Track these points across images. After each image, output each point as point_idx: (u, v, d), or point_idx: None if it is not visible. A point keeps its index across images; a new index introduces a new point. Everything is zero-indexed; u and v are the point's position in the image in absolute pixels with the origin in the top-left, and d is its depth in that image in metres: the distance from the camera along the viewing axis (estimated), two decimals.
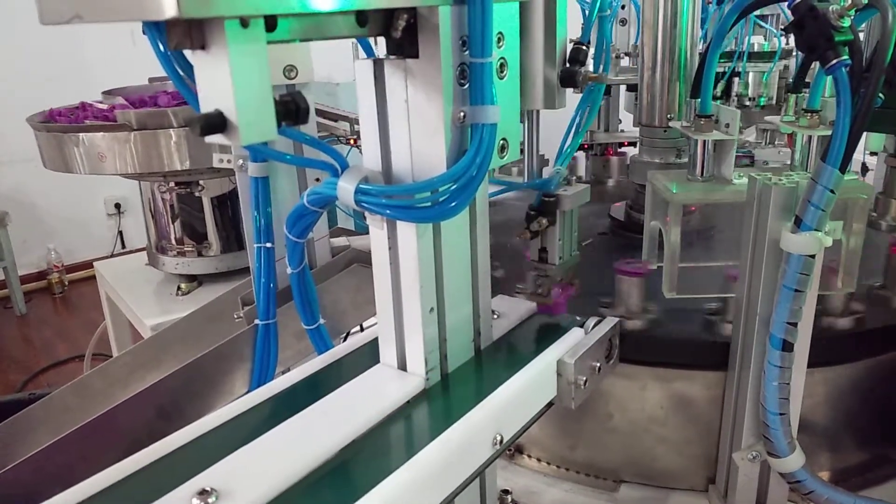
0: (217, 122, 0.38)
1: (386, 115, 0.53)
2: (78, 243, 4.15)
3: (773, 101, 0.93)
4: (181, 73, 0.44)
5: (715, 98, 1.00)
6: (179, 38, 0.37)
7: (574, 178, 1.28)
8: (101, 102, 1.87)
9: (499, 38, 0.53)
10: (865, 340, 0.75)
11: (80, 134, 1.65)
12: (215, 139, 0.38)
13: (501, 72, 0.54)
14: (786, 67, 1.08)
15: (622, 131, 1.46)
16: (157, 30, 0.42)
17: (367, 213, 0.55)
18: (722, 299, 0.71)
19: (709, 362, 0.71)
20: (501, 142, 0.56)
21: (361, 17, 0.46)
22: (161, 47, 0.43)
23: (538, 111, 0.67)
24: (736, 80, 0.98)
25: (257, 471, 0.48)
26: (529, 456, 0.86)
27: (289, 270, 0.70)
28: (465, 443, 0.53)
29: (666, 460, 0.79)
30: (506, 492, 0.76)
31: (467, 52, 0.49)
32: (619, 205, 1.10)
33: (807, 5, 0.55)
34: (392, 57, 0.51)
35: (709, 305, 0.74)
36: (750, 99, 0.94)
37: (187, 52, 0.41)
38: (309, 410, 0.56)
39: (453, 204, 0.51)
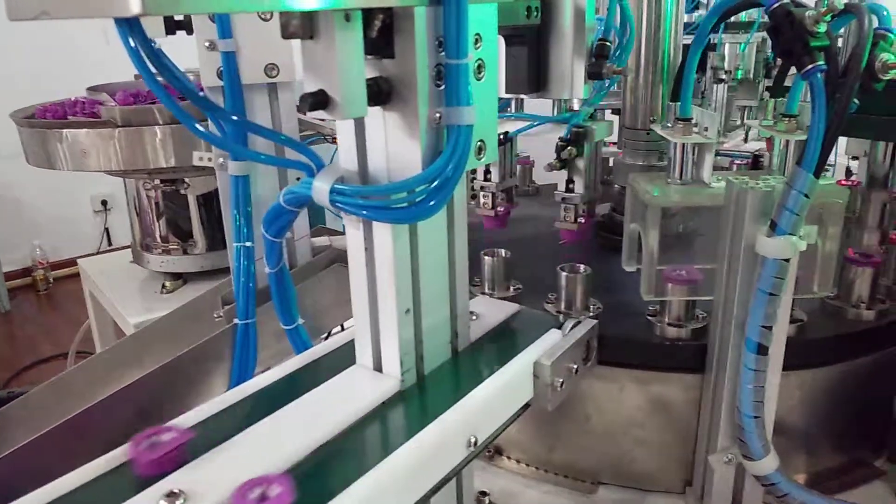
0: (322, 100, 0.46)
1: None
2: (64, 240, 4.12)
3: (751, 75, 0.92)
4: (151, 67, 0.44)
5: None
6: (294, 29, 0.44)
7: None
8: (85, 98, 1.85)
9: (476, 40, 0.53)
10: (842, 344, 0.75)
11: (64, 130, 1.64)
12: (318, 114, 0.46)
13: (479, 73, 0.54)
14: (764, 40, 1.05)
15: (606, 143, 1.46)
16: (127, 25, 0.42)
17: (343, 214, 0.54)
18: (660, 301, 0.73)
19: (685, 365, 0.72)
20: (479, 143, 0.56)
21: (344, 16, 0.45)
22: (132, 43, 0.43)
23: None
24: (712, 54, 0.96)
25: (227, 473, 0.48)
26: (509, 457, 0.86)
27: (267, 270, 0.70)
28: (438, 444, 0.53)
29: (644, 462, 0.79)
30: (483, 493, 0.76)
31: (443, 53, 0.49)
32: (601, 206, 1.11)
33: (783, 10, 0.55)
34: (369, 57, 0.50)
35: (651, 307, 0.75)
36: (726, 72, 0.93)
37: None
38: (283, 411, 0.55)
39: (429, 205, 0.51)
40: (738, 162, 1.20)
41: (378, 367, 0.60)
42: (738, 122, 1.13)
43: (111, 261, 2.25)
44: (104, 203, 4.21)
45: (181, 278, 1.95)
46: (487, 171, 0.78)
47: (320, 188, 0.51)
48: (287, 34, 0.45)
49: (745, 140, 1.16)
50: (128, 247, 2.09)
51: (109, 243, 4.22)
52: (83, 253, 3.51)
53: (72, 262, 3.81)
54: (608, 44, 0.68)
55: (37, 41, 3.56)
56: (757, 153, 1.01)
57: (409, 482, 0.51)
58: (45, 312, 3.89)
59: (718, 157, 1.20)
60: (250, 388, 0.60)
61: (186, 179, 1.86)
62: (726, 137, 1.26)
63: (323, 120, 1.69)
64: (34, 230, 4.04)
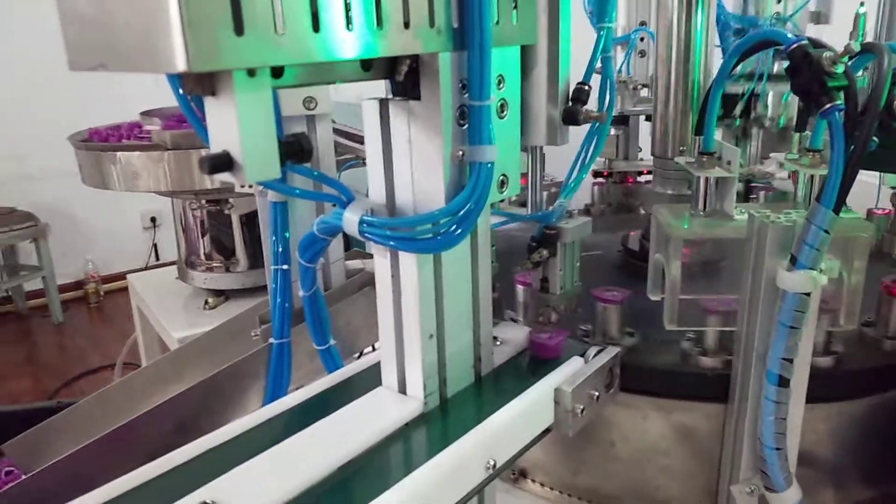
0: (224, 162, 0.41)
1: (390, 151, 0.56)
2: (114, 255, 4.27)
3: (793, 122, 0.93)
4: (198, 113, 0.48)
5: (734, 118, 1.00)
6: (192, 85, 0.41)
7: (585, 205, 1.29)
8: (137, 123, 1.94)
9: (499, 81, 0.56)
10: (879, 375, 0.75)
11: (118, 153, 1.72)
12: (223, 177, 0.42)
13: (502, 112, 0.57)
14: None
15: (641, 160, 1.47)
16: (177, 76, 0.46)
17: (371, 243, 0.57)
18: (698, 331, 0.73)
19: (708, 394, 0.72)
20: (501, 177, 0.58)
21: (366, 63, 0.49)
22: (181, 91, 0.47)
23: (541, 149, 0.70)
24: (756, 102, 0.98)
25: (257, 485, 0.51)
26: (533, 480, 0.87)
27: (301, 293, 0.74)
28: (457, 466, 0.55)
29: (667, 490, 0.79)
30: None
31: (466, 95, 0.52)
32: (634, 234, 1.12)
33: (801, 52, 0.56)
34: (396, 98, 0.54)
35: (688, 336, 0.76)
36: (769, 119, 0.94)
37: None
38: (311, 429, 0.58)
39: (452, 236, 0.54)
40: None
41: (402, 390, 0.62)
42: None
43: (158, 277, 2.33)
44: (153, 220, 4.37)
45: (223, 295, 2.01)
46: None
47: (350, 219, 0.55)
48: (186, 90, 0.42)
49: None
50: (174, 263, 2.17)
51: (157, 258, 4.36)
52: (132, 267, 3.65)
53: (121, 276, 3.96)
54: (587, 88, 0.66)
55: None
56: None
57: (430, 499, 0.53)
58: (95, 324, 4.03)
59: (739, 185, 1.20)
60: (281, 406, 0.63)
61: (230, 200, 1.93)
62: (760, 164, 1.26)
63: (361, 143, 1.74)
64: (87, 245, 4.21)
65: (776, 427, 0.64)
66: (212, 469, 0.53)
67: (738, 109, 0.93)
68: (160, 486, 0.52)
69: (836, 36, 0.82)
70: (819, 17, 1.09)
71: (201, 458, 0.56)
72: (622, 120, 1.39)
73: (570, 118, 0.64)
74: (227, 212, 1.96)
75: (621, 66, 1.41)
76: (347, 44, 0.43)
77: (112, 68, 0.39)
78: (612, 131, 1.39)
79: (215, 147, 0.42)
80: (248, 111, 0.41)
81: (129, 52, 0.37)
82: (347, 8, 0.42)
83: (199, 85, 0.40)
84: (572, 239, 0.69)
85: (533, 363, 0.70)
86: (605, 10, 0.69)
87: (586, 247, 0.94)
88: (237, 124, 0.40)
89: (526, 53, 0.62)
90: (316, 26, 0.40)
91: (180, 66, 0.35)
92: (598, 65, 0.69)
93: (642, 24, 1.36)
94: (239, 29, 0.37)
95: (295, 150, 0.45)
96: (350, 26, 0.42)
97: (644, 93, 1.39)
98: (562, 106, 0.64)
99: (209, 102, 0.42)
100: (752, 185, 1.12)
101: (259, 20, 0.38)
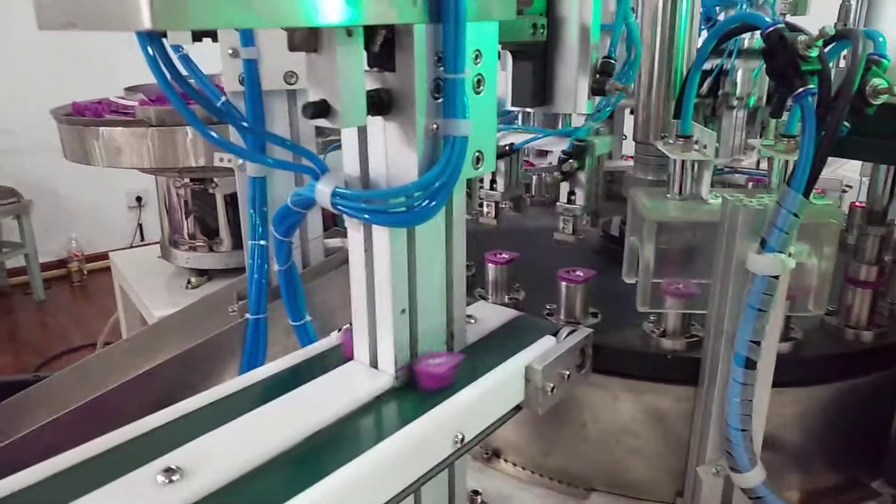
0: (323, 109, 0.49)
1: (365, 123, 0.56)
2: (99, 234, 4.24)
3: (764, 102, 0.93)
4: (167, 74, 0.47)
5: (701, 96, 1.00)
6: (299, 43, 0.47)
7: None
8: (123, 98, 1.92)
9: (476, 56, 0.56)
10: (838, 363, 0.76)
11: (101, 128, 1.71)
12: (320, 122, 0.49)
13: (479, 87, 0.57)
14: None
15: (623, 156, 1.47)
16: (146, 36, 0.45)
17: (345, 216, 0.57)
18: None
19: (671, 376, 0.73)
20: (477, 154, 0.58)
21: (348, 31, 0.49)
22: (150, 51, 0.47)
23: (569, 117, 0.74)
24: (724, 79, 0.97)
25: (223, 453, 0.51)
26: (506, 460, 0.88)
27: (276, 268, 0.73)
28: (424, 438, 0.55)
29: (637, 471, 0.80)
30: (476, 492, 0.78)
31: (442, 68, 0.52)
32: (612, 219, 1.12)
33: (777, 35, 0.57)
34: (372, 69, 0.53)
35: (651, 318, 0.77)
36: (738, 98, 0.94)
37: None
38: (280, 400, 0.58)
39: (425, 210, 0.54)
40: (753, 180, 1.21)
41: (374, 364, 0.63)
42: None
43: (141, 256, 2.32)
44: (139, 199, 4.33)
45: (206, 275, 2.01)
46: (493, 181, 0.80)
47: (323, 191, 0.55)
48: (292, 47, 0.48)
49: (758, 165, 1.17)
50: (158, 243, 2.16)
51: (142, 238, 4.34)
52: (117, 247, 3.62)
53: (105, 256, 3.93)
54: (612, 61, 0.70)
55: (78, 40, 3.68)
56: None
57: (395, 472, 0.54)
58: (77, 303, 4.01)
59: (736, 176, 1.21)
60: (252, 378, 0.63)
61: (215, 179, 1.92)
62: (744, 156, 1.27)
63: None
64: (71, 223, 4.17)
65: (742, 409, 0.65)
66: (179, 437, 0.53)
67: (704, 87, 0.93)
68: (126, 452, 0.52)
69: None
70: (796, 8, 1.09)
71: (169, 425, 0.56)
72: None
73: (599, 90, 0.70)
74: (211, 191, 1.95)
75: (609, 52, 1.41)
76: (322, 11, 0.42)
77: (81, 27, 0.39)
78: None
79: (314, 96, 0.49)
80: (345, 65, 0.48)
81: (97, 10, 0.37)
82: None
83: (305, 42, 0.47)
84: (599, 152, 0.72)
85: (506, 341, 0.71)
86: None
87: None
88: (337, 76, 0.47)
89: (558, 29, 0.67)
90: None
91: (146, 23, 0.34)
92: None
93: (631, 10, 1.36)
94: None
95: (376, 102, 0.52)
96: None
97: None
98: (591, 77, 0.69)
99: (311, 58, 0.49)
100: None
101: None
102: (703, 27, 1.02)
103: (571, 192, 0.73)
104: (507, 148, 0.77)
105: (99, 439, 0.53)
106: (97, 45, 3.73)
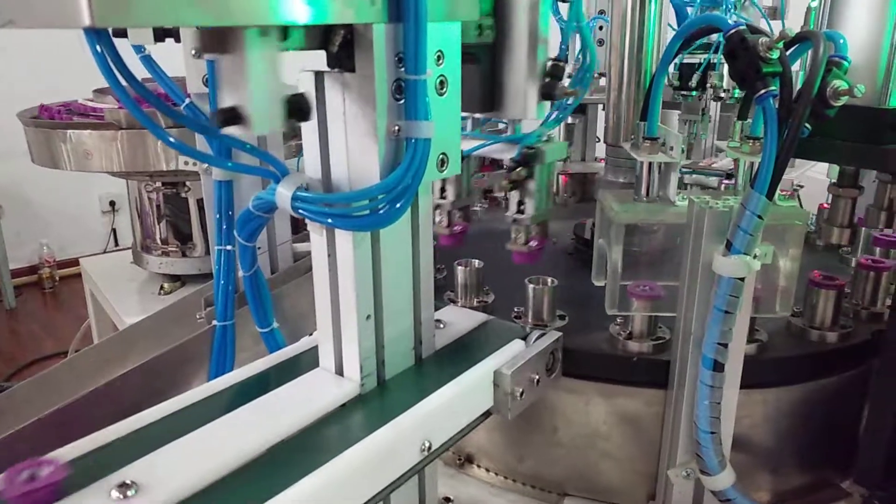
0: (234, 115, 0.45)
1: (326, 124, 0.55)
2: (71, 239, 4.16)
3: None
4: (118, 75, 0.46)
5: (690, 90, 1.01)
6: (205, 44, 0.44)
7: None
8: (91, 100, 1.89)
9: (438, 57, 0.55)
10: (804, 364, 0.76)
11: (68, 131, 1.67)
12: (231, 130, 0.45)
13: (441, 89, 0.56)
14: None
15: (597, 159, 1.47)
16: (94, 34, 0.44)
17: (307, 220, 0.56)
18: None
19: (635, 379, 0.73)
20: (441, 156, 0.57)
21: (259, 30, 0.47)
22: (99, 49, 0.45)
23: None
24: (711, 73, 0.98)
25: (181, 466, 0.50)
26: (478, 466, 0.87)
27: (241, 273, 0.72)
28: (390, 446, 0.54)
29: (609, 475, 0.80)
30: (447, 499, 0.77)
31: (403, 69, 0.51)
32: (585, 222, 1.12)
33: (738, 37, 0.57)
34: (332, 70, 0.53)
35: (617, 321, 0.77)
36: (725, 91, 0.95)
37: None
38: (243, 409, 0.57)
39: (388, 213, 0.53)
40: (726, 182, 1.22)
41: (340, 371, 0.62)
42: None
43: (113, 261, 2.28)
44: (112, 203, 4.26)
45: (179, 280, 1.98)
46: (443, 189, 0.78)
47: (283, 194, 0.53)
48: (203, 48, 0.45)
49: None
50: (131, 248, 2.13)
51: (116, 243, 4.26)
52: (91, 252, 3.55)
53: (78, 262, 3.87)
54: (562, 64, 0.67)
55: (45, 41, 3.61)
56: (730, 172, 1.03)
57: (362, 480, 0.53)
58: (49, 310, 3.93)
59: (709, 178, 1.22)
60: (216, 387, 0.62)
61: (187, 182, 1.89)
62: (717, 157, 1.28)
63: None
64: (42, 228, 4.09)
65: (711, 411, 0.65)
66: (137, 449, 0.51)
67: (693, 80, 0.93)
68: (80, 466, 0.50)
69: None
70: (775, 13, 1.10)
71: (128, 437, 0.55)
72: (580, 109, 1.39)
73: (547, 94, 0.66)
74: (183, 195, 1.92)
75: (578, 54, 1.41)
76: (274, 8, 0.41)
77: (21, 24, 0.37)
78: (570, 120, 1.39)
79: (225, 102, 0.45)
80: (258, 68, 0.44)
81: (37, 6, 0.36)
82: None
83: (212, 43, 0.43)
84: (549, 160, 0.70)
85: (475, 346, 0.70)
86: None
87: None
88: (248, 81, 0.43)
89: (506, 30, 0.64)
90: None
91: (85, 20, 0.33)
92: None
93: (601, 12, 1.36)
94: None
95: (295, 108, 0.48)
96: None
97: (602, 82, 1.39)
98: (539, 81, 0.65)
99: (221, 60, 0.45)
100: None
101: None
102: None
103: (521, 202, 0.71)
104: None
105: (52, 453, 0.51)
106: (67, 45, 3.66)
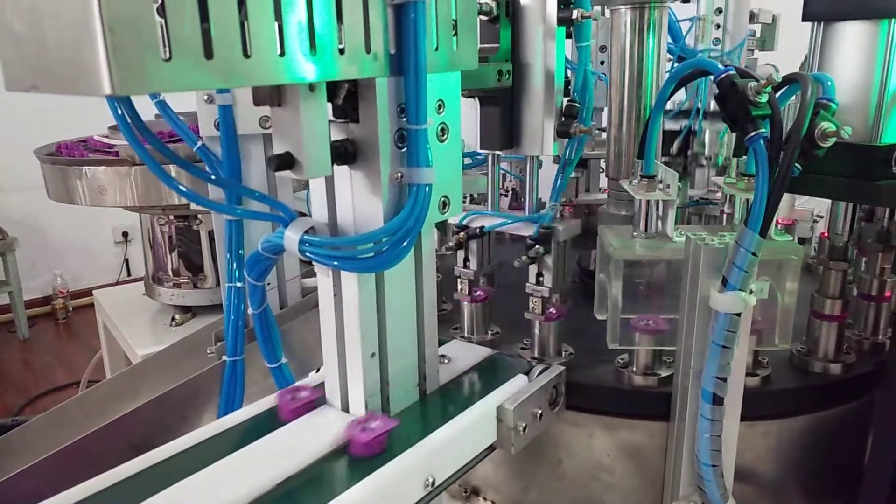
0: (287, 161, 0.50)
1: (332, 172, 0.57)
2: (85, 270, 4.21)
3: (730, 162, 0.96)
4: (136, 131, 0.49)
5: (672, 156, 1.03)
6: (262, 98, 0.49)
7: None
8: (106, 137, 1.93)
9: (439, 106, 0.57)
10: (808, 396, 0.77)
11: (83, 167, 1.71)
12: (285, 174, 0.51)
13: (443, 135, 0.58)
14: None
15: (601, 189, 1.50)
16: (114, 99, 0.47)
17: (314, 262, 0.58)
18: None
19: (640, 412, 0.74)
20: (443, 199, 0.60)
21: (308, 87, 0.50)
22: (119, 110, 0.48)
23: (538, 158, 0.77)
24: (694, 139, 1.01)
25: (194, 502, 0.51)
26: (485, 498, 0.88)
27: (250, 311, 0.74)
28: (394, 483, 0.56)
29: None
30: None
31: (405, 119, 0.53)
32: (589, 253, 1.13)
33: (728, 80, 0.59)
34: (337, 120, 0.55)
35: (622, 357, 0.79)
36: (706, 158, 0.97)
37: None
38: (253, 446, 0.59)
39: (392, 255, 0.55)
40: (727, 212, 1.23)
41: (346, 408, 0.63)
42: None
43: (125, 292, 2.31)
44: (125, 234, 4.32)
45: (190, 311, 2.00)
46: (466, 259, 0.83)
47: (291, 238, 0.56)
48: (257, 101, 0.49)
49: None
50: (143, 279, 2.16)
51: (129, 274, 4.31)
52: (103, 282, 3.60)
53: (91, 292, 3.91)
54: (576, 105, 0.73)
55: None
56: None
57: None
58: (62, 341, 3.96)
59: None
60: (224, 424, 0.63)
61: (199, 216, 1.93)
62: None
63: None
64: (56, 259, 4.14)
65: (712, 444, 0.66)
66: (152, 485, 0.53)
67: (674, 147, 0.96)
68: (100, 502, 0.52)
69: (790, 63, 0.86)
70: (764, 44, 1.12)
71: (143, 473, 0.56)
72: (581, 163, 1.43)
73: (564, 132, 0.72)
74: (195, 227, 1.96)
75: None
76: (281, 70, 0.44)
77: (44, 90, 0.40)
78: (573, 174, 1.42)
79: (278, 149, 0.51)
80: (309, 119, 0.49)
81: (60, 75, 0.38)
82: (281, 35, 0.43)
83: (269, 97, 0.49)
84: (565, 238, 0.75)
85: (478, 381, 0.71)
86: (582, 32, 0.75)
87: None
88: (301, 130, 0.49)
89: (523, 73, 0.71)
90: (247, 52, 0.41)
91: (106, 89, 0.36)
92: None
93: (602, 49, 1.39)
94: (167, 55, 0.38)
95: (341, 152, 0.53)
96: (283, 53, 0.44)
97: (603, 136, 1.42)
98: (556, 120, 0.71)
99: (275, 112, 0.50)
100: None
101: (189, 47, 0.39)
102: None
103: (539, 274, 0.76)
104: (477, 231, 0.81)
105: (73, 489, 0.53)
106: None
